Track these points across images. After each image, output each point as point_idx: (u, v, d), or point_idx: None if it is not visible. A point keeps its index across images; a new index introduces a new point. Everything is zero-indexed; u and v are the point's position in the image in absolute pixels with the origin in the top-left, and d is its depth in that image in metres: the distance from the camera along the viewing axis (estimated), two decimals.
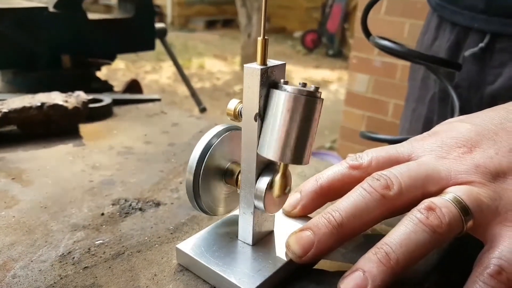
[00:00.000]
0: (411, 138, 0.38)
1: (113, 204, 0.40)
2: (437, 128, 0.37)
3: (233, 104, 0.29)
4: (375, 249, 0.28)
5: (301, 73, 5.03)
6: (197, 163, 0.29)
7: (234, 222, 0.33)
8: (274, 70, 0.27)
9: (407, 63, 2.38)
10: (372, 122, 2.53)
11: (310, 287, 0.29)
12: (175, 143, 0.54)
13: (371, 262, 0.27)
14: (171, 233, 0.35)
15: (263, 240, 0.31)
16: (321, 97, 0.27)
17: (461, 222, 0.28)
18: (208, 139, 0.30)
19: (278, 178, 0.29)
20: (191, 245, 0.30)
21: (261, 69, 0.26)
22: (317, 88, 0.26)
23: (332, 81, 4.89)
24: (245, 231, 0.31)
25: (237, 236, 0.32)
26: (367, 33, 0.60)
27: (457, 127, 0.35)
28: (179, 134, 0.57)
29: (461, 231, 0.28)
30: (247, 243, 0.31)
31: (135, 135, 0.56)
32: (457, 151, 0.32)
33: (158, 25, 0.84)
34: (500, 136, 0.32)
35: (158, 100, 0.71)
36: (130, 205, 0.40)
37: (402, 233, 0.28)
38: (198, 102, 0.87)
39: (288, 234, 0.30)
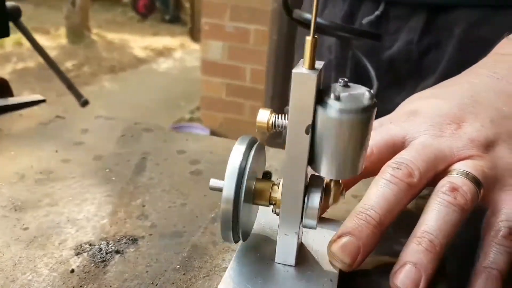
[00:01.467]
0: (387, 117, 0.39)
1: (77, 254, 0.32)
2: (412, 106, 0.39)
3: (264, 115, 0.26)
4: (416, 239, 0.29)
5: (139, 42, 4.78)
6: (235, 191, 0.25)
7: (257, 244, 0.30)
8: (321, 72, 0.24)
9: (261, 28, 2.46)
10: (232, 89, 2.59)
11: None
12: (102, 155, 0.46)
13: (418, 253, 0.28)
14: (184, 274, 0.30)
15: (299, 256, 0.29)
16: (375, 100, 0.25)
17: (477, 195, 0.31)
18: (238, 161, 0.26)
19: (332, 186, 0.27)
20: (234, 285, 0.26)
21: (317, 76, 0.23)
22: (372, 95, 0.24)
23: (175, 48, 4.79)
24: (287, 253, 0.28)
25: (272, 259, 0.29)
26: (288, 9, 0.60)
27: (436, 105, 0.37)
28: (97, 143, 0.49)
29: (477, 203, 0.31)
30: (288, 265, 0.28)
31: (43, 153, 0.45)
32: (450, 128, 0.35)
33: (9, 3, 0.68)
34: (478, 109, 0.36)
35: (43, 101, 0.58)
36: (100, 249, 0.32)
37: (437, 218, 0.29)
38: (78, 94, 0.75)
39: (318, 243, 0.29)
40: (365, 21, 0.69)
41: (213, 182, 0.28)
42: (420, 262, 0.28)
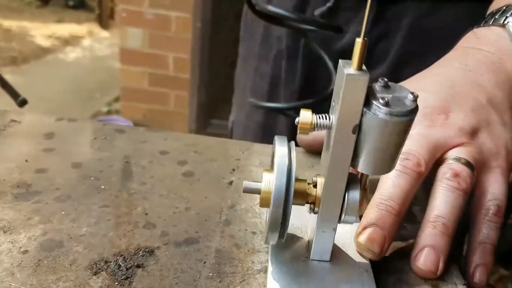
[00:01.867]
0: None
1: (95, 274, 0.30)
2: None
3: (307, 117, 0.26)
4: (431, 223, 0.32)
5: (41, 30, 4.39)
6: (285, 193, 0.26)
7: (285, 243, 0.31)
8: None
9: (183, 15, 2.40)
10: (155, 79, 2.51)
11: (391, 279, 0.30)
12: (80, 162, 0.42)
13: (434, 236, 0.31)
14: (220, 281, 0.29)
15: None
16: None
17: (473, 178, 0.34)
18: (286, 163, 0.26)
19: (367, 183, 0.28)
20: (282, 287, 0.27)
21: (368, 78, 0.24)
22: (415, 98, 0.25)
23: (83, 36, 4.48)
24: (323, 250, 0.29)
25: (306, 257, 0.30)
26: (251, 4, 0.60)
27: (421, 97, 0.40)
28: (70, 148, 0.45)
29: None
30: (323, 260, 0.29)
31: (11, 164, 0.41)
32: (439, 119, 0.38)
33: None
34: (459, 100, 0.39)
35: None
36: (119, 265, 0.31)
37: (446, 202, 0.32)
38: (14, 93, 0.68)
39: (342, 236, 0.30)
40: (317, 12, 0.71)
41: (248, 185, 0.28)
42: (437, 244, 0.30)
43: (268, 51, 0.81)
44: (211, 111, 2.55)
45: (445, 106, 0.38)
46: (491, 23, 0.44)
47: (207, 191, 0.40)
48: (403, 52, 0.67)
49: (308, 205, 0.29)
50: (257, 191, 0.28)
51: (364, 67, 0.24)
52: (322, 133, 0.44)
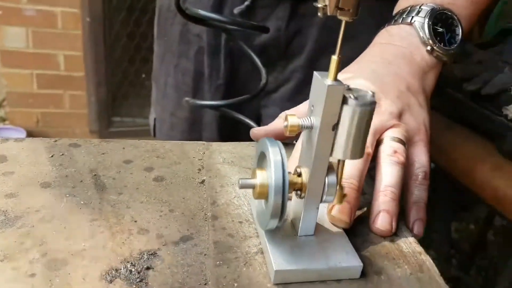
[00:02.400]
0: None
1: (111, 281, 0.32)
2: None
3: (295, 120, 0.32)
4: (383, 192, 0.40)
5: None
6: (283, 185, 0.31)
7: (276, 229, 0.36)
8: None
9: (68, 10, 2.26)
10: (45, 80, 2.34)
11: (358, 241, 0.38)
12: (48, 181, 0.43)
13: (387, 203, 0.39)
14: (228, 267, 0.34)
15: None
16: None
17: (406, 152, 0.43)
18: (280, 159, 0.31)
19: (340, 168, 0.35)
20: (283, 262, 0.33)
21: (344, 87, 0.30)
22: (373, 93, 0.33)
23: None
24: (308, 226, 0.35)
25: (295, 234, 0.36)
26: (180, 8, 0.62)
27: (360, 85, 0.48)
28: (30, 169, 0.45)
29: None
30: (309, 235, 0.36)
31: None
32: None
33: None
34: (386, 89, 0.48)
35: None
36: (130, 271, 0.33)
37: (391, 175, 0.41)
38: None
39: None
40: (236, 10, 0.76)
41: (244, 182, 0.33)
42: (389, 208, 0.39)
43: (187, 48, 0.84)
44: (112, 109, 2.46)
45: (377, 96, 0.47)
46: (400, 21, 0.53)
47: (183, 192, 0.43)
48: (318, 45, 0.76)
49: (294, 192, 0.35)
50: (251, 186, 0.33)
51: (337, 77, 0.30)
52: (275, 127, 0.50)
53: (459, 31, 0.52)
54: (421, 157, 0.45)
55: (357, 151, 0.32)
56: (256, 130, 0.52)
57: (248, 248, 0.36)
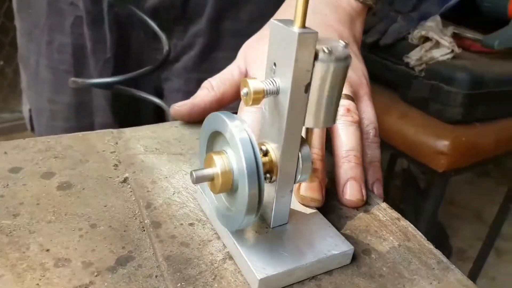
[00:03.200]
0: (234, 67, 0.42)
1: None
2: (253, 55, 0.43)
3: (259, 85, 0.24)
4: (345, 158, 0.35)
5: None
6: (257, 166, 0.24)
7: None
8: None
9: None
10: None
11: (332, 217, 0.33)
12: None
13: (352, 169, 0.35)
14: (193, 287, 0.26)
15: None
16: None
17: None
18: (247, 137, 0.24)
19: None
20: (265, 266, 0.26)
21: (317, 35, 0.24)
22: (346, 44, 0.26)
23: None
24: (281, 215, 0.29)
25: (267, 227, 0.29)
26: None
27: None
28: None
29: None
30: (283, 225, 0.30)
31: None
32: None
33: None
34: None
35: None
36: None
37: (350, 136, 0.36)
38: None
39: None
40: None
41: (200, 173, 0.25)
42: (356, 175, 0.34)
43: (61, 20, 0.71)
44: None
45: None
46: None
47: (102, 198, 0.34)
48: (220, 5, 0.68)
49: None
50: (210, 178, 0.26)
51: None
52: (203, 100, 0.42)
53: None
54: (368, 113, 0.41)
55: (331, 117, 0.27)
56: (178, 106, 0.43)
57: (211, 256, 0.29)
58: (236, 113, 0.46)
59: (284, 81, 0.25)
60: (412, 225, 0.33)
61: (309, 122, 0.26)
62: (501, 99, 0.82)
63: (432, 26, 0.88)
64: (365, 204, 0.35)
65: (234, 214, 0.26)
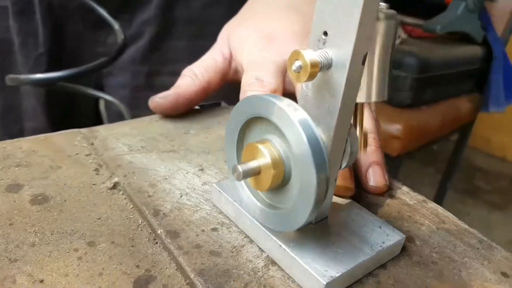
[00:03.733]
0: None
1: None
2: (239, 39, 0.40)
3: (313, 55, 0.21)
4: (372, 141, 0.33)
5: None
6: (323, 155, 0.21)
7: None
8: None
9: None
10: None
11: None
12: None
13: (374, 153, 0.33)
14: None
15: None
16: None
17: None
18: (303, 115, 0.21)
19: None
20: (326, 268, 0.23)
21: None
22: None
23: None
24: (325, 207, 0.26)
25: (310, 223, 0.26)
26: None
27: (283, 25, 0.39)
28: None
29: None
30: (324, 219, 0.26)
31: None
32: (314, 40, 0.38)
33: None
34: (303, 22, 0.40)
35: None
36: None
37: (366, 117, 0.34)
38: None
39: None
40: None
41: (245, 167, 0.21)
42: (378, 159, 0.32)
43: None
44: None
45: (308, 29, 0.39)
46: None
47: (91, 210, 0.28)
48: None
49: None
50: (257, 171, 0.22)
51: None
52: (188, 89, 0.37)
53: None
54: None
55: (384, 87, 0.24)
56: (160, 98, 0.38)
57: (250, 263, 0.25)
58: (203, 106, 0.41)
59: (339, 53, 0.21)
60: (439, 206, 0.32)
61: (361, 96, 0.23)
62: (445, 81, 0.86)
63: None
64: (389, 189, 0.33)
65: (288, 211, 0.22)
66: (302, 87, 0.24)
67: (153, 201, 0.28)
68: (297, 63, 0.21)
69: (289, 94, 0.37)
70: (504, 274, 0.26)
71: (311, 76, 0.21)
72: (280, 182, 0.22)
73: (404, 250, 0.27)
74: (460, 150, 1.20)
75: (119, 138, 0.35)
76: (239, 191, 0.25)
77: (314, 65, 0.21)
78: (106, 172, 0.31)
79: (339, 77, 0.22)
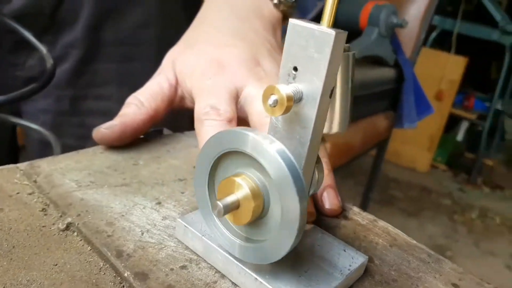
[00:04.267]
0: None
1: None
2: (187, 66, 0.40)
3: (287, 90, 0.22)
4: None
5: None
6: (302, 181, 0.21)
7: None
8: None
9: None
10: None
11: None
12: None
13: (327, 176, 0.34)
14: None
15: None
16: None
17: None
18: (279, 146, 0.22)
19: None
20: None
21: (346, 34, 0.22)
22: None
23: None
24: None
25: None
26: None
27: (236, 51, 0.40)
28: None
29: None
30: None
31: None
32: (259, 70, 0.40)
33: None
34: (257, 48, 0.42)
35: None
36: None
37: None
38: None
39: None
40: None
41: (226, 202, 0.22)
42: (331, 182, 0.34)
43: None
44: None
45: (255, 57, 0.40)
46: None
47: (45, 255, 0.26)
48: (98, 11, 0.61)
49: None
50: (236, 205, 0.22)
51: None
52: (134, 118, 0.37)
53: None
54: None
55: (346, 118, 0.26)
56: (106, 129, 0.36)
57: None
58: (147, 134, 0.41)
59: (309, 87, 0.23)
60: (388, 224, 0.34)
61: (326, 127, 0.25)
62: (363, 101, 0.93)
63: None
64: (342, 211, 0.35)
65: (268, 243, 0.23)
66: (271, 119, 0.25)
67: (113, 241, 0.27)
68: (273, 98, 0.22)
69: (240, 120, 0.37)
70: (454, 285, 0.28)
71: (287, 110, 0.22)
72: (261, 212, 0.23)
73: (366, 270, 0.28)
74: (379, 164, 1.30)
75: (65, 174, 0.33)
76: (212, 227, 0.25)
77: (289, 99, 0.22)
78: (54, 212, 0.29)
79: (310, 110, 0.23)
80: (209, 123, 0.33)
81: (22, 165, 0.34)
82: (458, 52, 2.82)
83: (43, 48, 0.50)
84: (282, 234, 0.22)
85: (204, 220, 0.26)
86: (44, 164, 0.34)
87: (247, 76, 0.37)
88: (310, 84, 0.22)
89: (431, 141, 2.98)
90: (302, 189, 0.21)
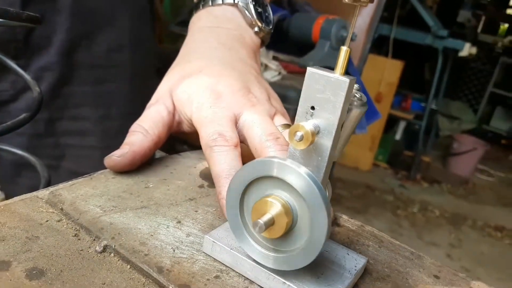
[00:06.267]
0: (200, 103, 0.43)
1: None
2: (185, 94, 0.44)
3: (311, 127, 0.28)
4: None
5: None
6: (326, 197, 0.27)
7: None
8: None
9: None
10: None
11: None
12: None
13: None
14: None
15: None
16: None
17: None
18: (304, 169, 0.27)
19: None
20: None
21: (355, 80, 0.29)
22: (358, 89, 0.32)
23: None
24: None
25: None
26: None
27: (227, 82, 0.45)
28: None
29: None
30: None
31: None
32: (251, 97, 0.45)
33: None
34: (246, 77, 0.47)
35: None
36: None
37: None
38: None
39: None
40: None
41: (265, 219, 0.27)
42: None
43: None
44: None
45: (246, 85, 0.45)
46: (221, 2, 0.51)
47: (92, 276, 0.30)
48: (72, 35, 0.64)
49: None
50: (271, 222, 0.28)
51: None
52: (142, 146, 0.41)
53: (269, 10, 0.55)
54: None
55: (340, 151, 0.32)
56: (118, 157, 0.40)
57: None
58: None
59: (326, 123, 0.28)
60: (374, 228, 0.41)
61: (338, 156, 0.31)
62: None
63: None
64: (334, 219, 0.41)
65: (296, 252, 0.28)
66: (290, 148, 0.30)
67: (151, 259, 0.31)
68: (299, 134, 0.27)
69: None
70: (436, 276, 0.35)
71: (311, 144, 0.27)
72: (291, 226, 0.28)
73: (365, 269, 0.35)
74: None
75: (87, 200, 0.36)
76: (244, 243, 0.30)
77: (313, 134, 0.27)
78: (86, 236, 0.33)
79: (326, 141, 0.28)
80: (219, 149, 0.38)
81: (40, 194, 0.37)
82: (395, 56, 3.04)
83: (28, 77, 0.52)
84: (312, 243, 0.28)
85: (235, 237, 0.31)
86: (65, 192, 0.37)
87: (242, 104, 0.42)
88: (327, 120, 0.28)
89: (372, 141, 3.18)
90: (328, 205, 0.27)
